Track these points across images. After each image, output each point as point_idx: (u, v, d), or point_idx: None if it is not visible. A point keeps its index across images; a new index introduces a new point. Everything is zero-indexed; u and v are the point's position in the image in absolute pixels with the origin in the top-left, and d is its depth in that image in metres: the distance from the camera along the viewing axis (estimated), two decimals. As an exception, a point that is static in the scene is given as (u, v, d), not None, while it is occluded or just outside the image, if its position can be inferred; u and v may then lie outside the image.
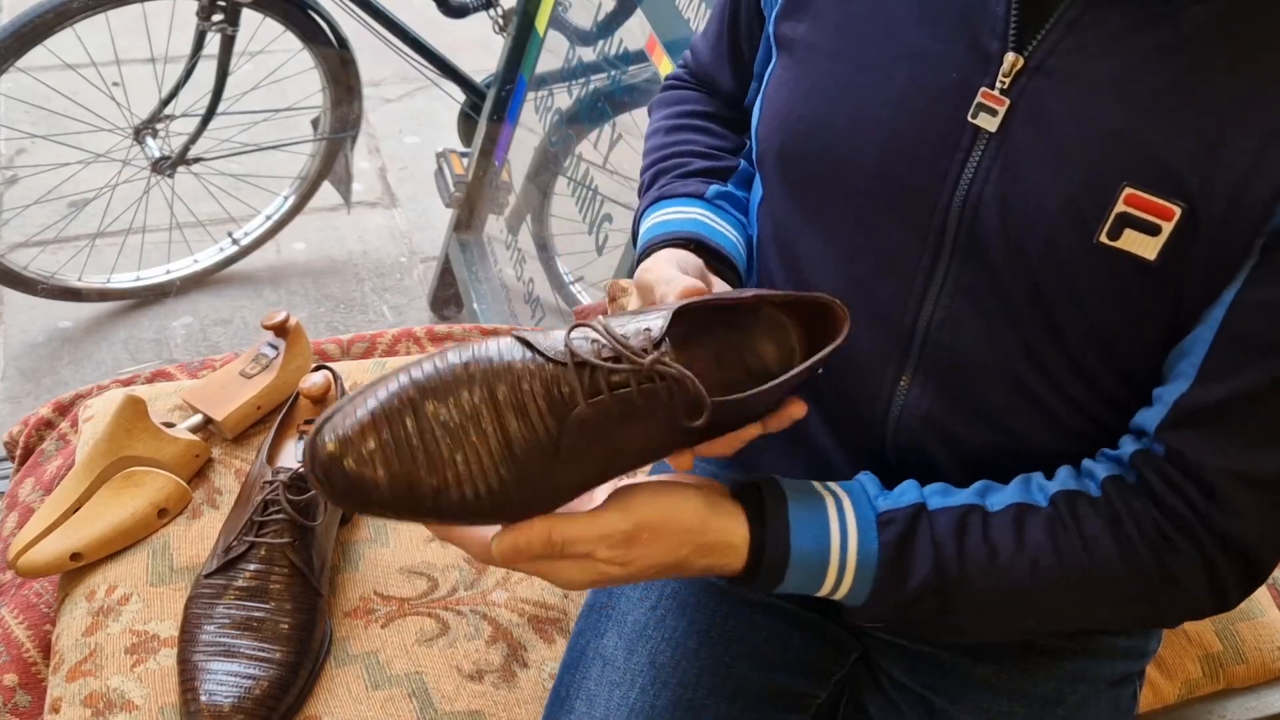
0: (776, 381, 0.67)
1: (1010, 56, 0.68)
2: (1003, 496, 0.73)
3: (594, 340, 0.64)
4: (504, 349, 0.64)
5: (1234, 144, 0.63)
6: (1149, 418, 0.71)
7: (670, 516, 0.68)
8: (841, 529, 0.71)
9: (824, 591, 0.72)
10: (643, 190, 0.94)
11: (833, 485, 0.74)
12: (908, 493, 0.73)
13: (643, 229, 0.88)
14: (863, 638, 0.92)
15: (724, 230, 0.86)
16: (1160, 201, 0.64)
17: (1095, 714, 0.88)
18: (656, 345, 0.63)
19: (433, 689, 0.91)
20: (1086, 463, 0.74)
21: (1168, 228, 0.65)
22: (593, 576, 0.68)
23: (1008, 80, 0.68)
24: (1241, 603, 0.73)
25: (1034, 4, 0.68)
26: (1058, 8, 0.67)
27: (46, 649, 0.97)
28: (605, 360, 0.63)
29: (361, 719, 0.88)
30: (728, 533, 0.70)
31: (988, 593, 0.71)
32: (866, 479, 0.74)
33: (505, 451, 0.62)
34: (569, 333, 0.64)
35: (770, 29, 0.82)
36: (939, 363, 0.75)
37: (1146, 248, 0.65)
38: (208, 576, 0.90)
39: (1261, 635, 1.07)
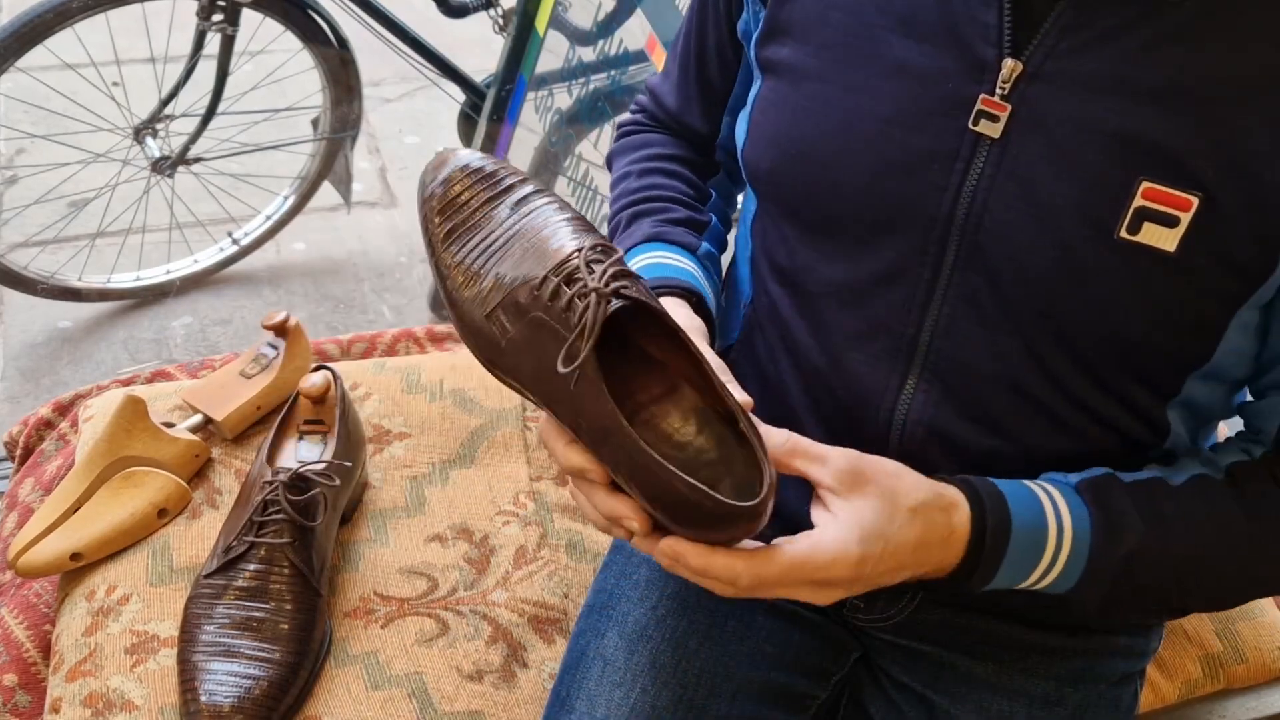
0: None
1: (1009, 63, 0.68)
2: (1183, 470, 0.73)
3: (599, 253, 0.64)
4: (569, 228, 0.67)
5: (1247, 129, 0.64)
6: (1268, 422, 0.74)
7: (881, 462, 0.66)
8: (1048, 496, 0.70)
9: (1040, 568, 0.70)
10: (617, 232, 0.92)
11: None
12: (1092, 470, 0.73)
13: (637, 265, 0.86)
14: (863, 638, 0.92)
15: (710, 295, 0.85)
16: (1177, 193, 0.65)
17: (1096, 713, 0.88)
18: (613, 289, 0.62)
19: (433, 689, 0.91)
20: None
21: (1186, 218, 0.65)
22: (850, 534, 0.63)
23: (1007, 86, 0.68)
24: None
25: (1026, 10, 0.68)
26: (1051, 12, 0.67)
27: (46, 649, 0.97)
28: (584, 265, 0.63)
29: (361, 719, 0.88)
30: (949, 492, 0.68)
31: (1194, 557, 0.71)
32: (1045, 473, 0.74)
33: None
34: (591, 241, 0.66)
35: (752, 54, 0.82)
36: (942, 371, 0.75)
37: (1166, 240, 0.66)
38: (207, 577, 0.90)
39: (1261, 635, 1.07)
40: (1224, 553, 0.72)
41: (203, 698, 0.83)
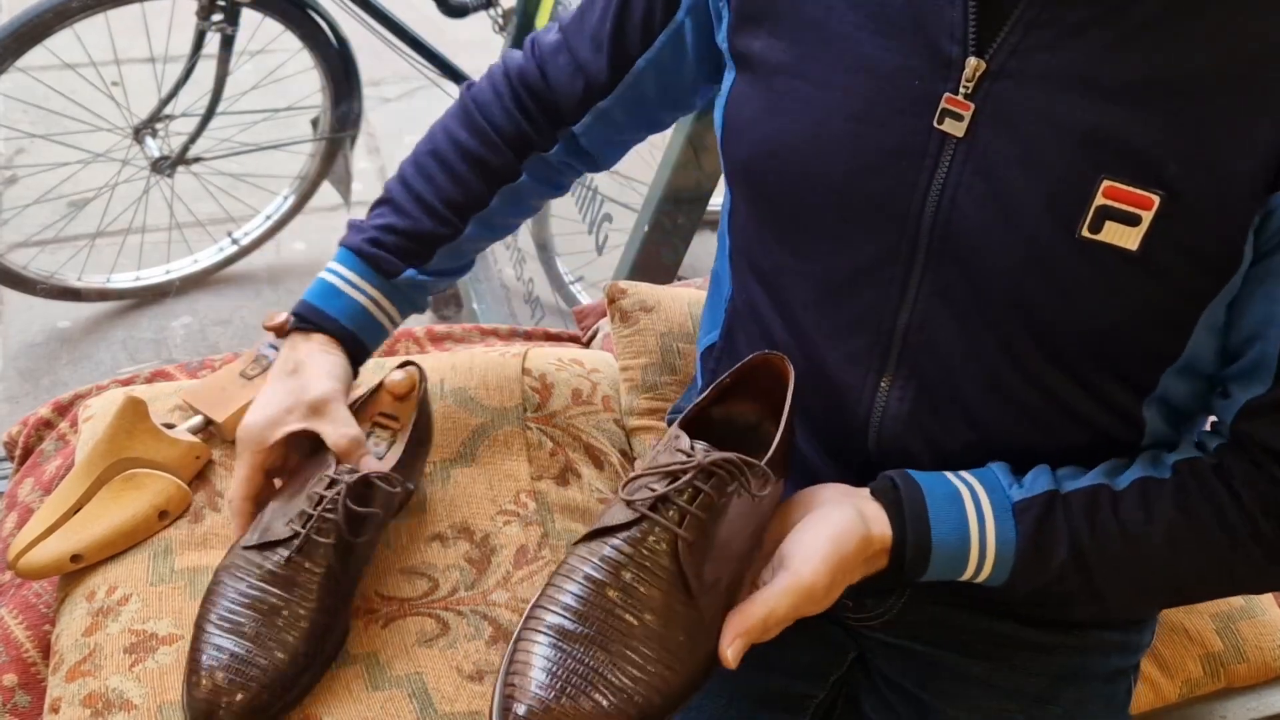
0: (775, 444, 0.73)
1: (972, 61, 0.68)
2: (1129, 473, 0.75)
3: (645, 486, 0.69)
4: (601, 553, 0.68)
5: (1209, 125, 0.64)
6: (1225, 414, 0.74)
7: (845, 546, 0.70)
8: (979, 519, 0.73)
9: (966, 577, 0.74)
10: (385, 195, 0.96)
11: (965, 475, 0.75)
12: (1040, 478, 0.74)
13: (341, 269, 0.94)
14: (858, 638, 0.92)
15: (386, 327, 0.97)
16: (1139, 191, 0.65)
17: (1089, 710, 0.88)
18: (691, 451, 0.69)
19: (433, 690, 0.91)
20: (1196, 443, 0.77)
21: (1148, 217, 0.65)
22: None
23: (971, 85, 0.68)
24: None
25: (991, 7, 0.68)
26: (1015, 9, 0.67)
27: (46, 649, 0.97)
28: (668, 487, 0.67)
29: (361, 719, 0.88)
30: (885, 540, 0.72)
31: (1123, 566, 0.73)
32: (999, 468, 0.76)
33: (658, 629, 0.66)
34: (624, 492, 0.69)
35: (724, 44, 0.81)
36: (918, 364, 0.75)
37: (1128, 238, 0.66)
38: (245, 548, 0.87)
39: (1262, 634, 1.07)
40: (1153, 562, 0.73)
41: (203, 673, 0.81)
